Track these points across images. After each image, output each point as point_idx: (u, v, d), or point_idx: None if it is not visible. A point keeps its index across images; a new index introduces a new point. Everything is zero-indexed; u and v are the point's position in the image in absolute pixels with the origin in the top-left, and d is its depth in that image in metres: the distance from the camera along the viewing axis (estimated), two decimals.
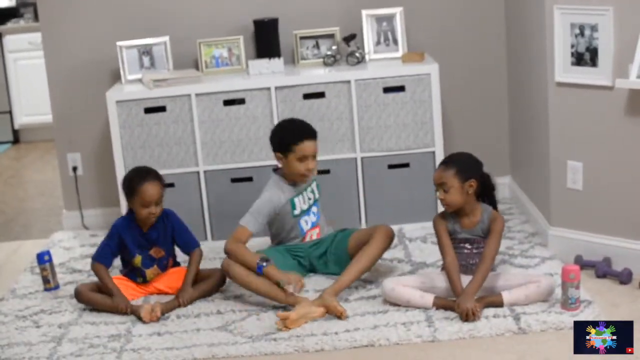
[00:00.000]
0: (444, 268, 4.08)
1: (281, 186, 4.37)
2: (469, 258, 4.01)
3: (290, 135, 4.29)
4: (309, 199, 4.44)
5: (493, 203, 4.08)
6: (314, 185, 4.48)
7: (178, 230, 4.36)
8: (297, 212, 4.39)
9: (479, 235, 4.00)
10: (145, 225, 4.30)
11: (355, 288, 4.23)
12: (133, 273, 4.36)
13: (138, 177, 4.27)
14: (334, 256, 4.40)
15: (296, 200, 4.39)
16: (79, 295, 4.25)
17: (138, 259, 4.31)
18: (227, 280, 4.31)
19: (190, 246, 4.36)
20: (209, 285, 4.28)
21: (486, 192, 4.08)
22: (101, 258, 4.28)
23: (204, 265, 4.47)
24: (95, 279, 4.33)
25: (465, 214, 4.00)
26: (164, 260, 4.37)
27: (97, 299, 4.21)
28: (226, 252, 4.19)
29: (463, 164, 3.98)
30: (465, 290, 3.84)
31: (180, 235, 4.36)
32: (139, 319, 4.07)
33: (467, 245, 4.02)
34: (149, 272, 4.34)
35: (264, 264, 4.09)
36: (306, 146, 4.24)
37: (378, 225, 4.34)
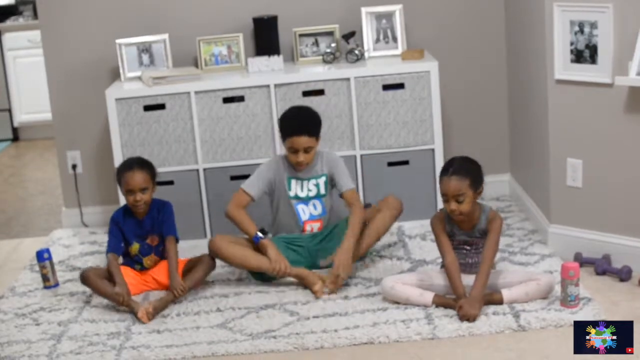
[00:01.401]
0: (443, 266, 4.08)
1: (283, 161, 4.47)
2: (468, 257, 4.01)
3: (283, 127, 4.41)
4: (309, 190, 4.47)
5: None
6: (321, 179, 4.48)
7: (164, 216, 4.40)
8: (292, 193, 4.45)
9: (477, 236, 3.99)
10: (139, 214, 4.36)
11: (355, 285, 4.24)
12: (132, 261, 4.41)
13: (124, 165, 4.41)
14: (341, 230, 4.39)
15: (293, 181, 4.45)
16: (85, 280, 4.28)
17: (135, 247, 4.38)
18: (224, 273, 4.38)
19: (166, 232, 4.39)
20: (199, 272, 4.31)
21: None
22: (111, 249, 4.37)
23: None
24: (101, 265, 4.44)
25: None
26: (159, 247, 4.42)
27: (99, 284, 4.24)
28: (227, 216, 4.37)
29: (474, 173, 3.93)
30: (472, 295, 3.83)
31: (164, 220, 4.40)
32: (136, 316, 4.07)
33: (466, 247, 4.01)
34: (147, 260, 4.40)
35: (262, 235, 4.26)
36: (294, 141, 4.34)
37: (384, 198, 4.48)
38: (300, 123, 4.38)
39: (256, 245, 4.31)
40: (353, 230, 4.28)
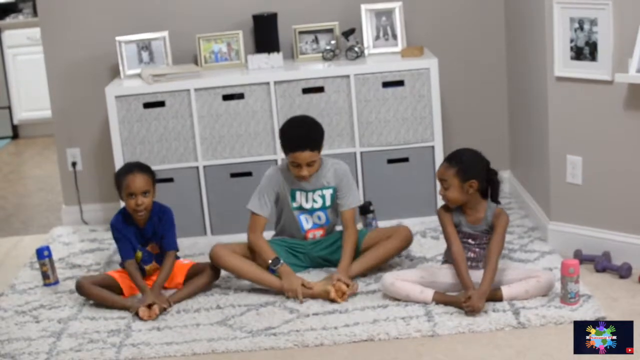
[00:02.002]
0: (445, 261, 4.08)
1: (284, 172, 4.37)
2: (470, 252, 4.01)
3: (285, 142, 4.28)
4: (315, 202, 4.38)
5: (495, 198, 4.05)
6: (328, 191, 4.38)
7: (166, 227, 4.32)
8: (295, 205, 4.38)
9: (482, 231, 3.99)
10: (140, 221, 4.30)
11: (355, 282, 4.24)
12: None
13: (124, 169, 4.34)
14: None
15: (297, 193, 4.37)
16: (80, 289, 4.24)
17: (139, 255, 4.31)
18: (223, 274, 4.36)
19: (167, 246, 4.31)
20: (199, 282, 4.27)
21: (492, 190, 4.05)
22: (125, 256, 4.27)
23: (202, 259, 4.49)
24: (94, 272, 4.37)
25: (468, 209, 4.00)
26: (160, 256, 4.35)
27: (101, 293, 4.20)
28: (250, 245, 4.32)
29: (465, 164, 3.95)
30: (480, 290, 3.82)
31: (165, 232, 4.32)
32: (136, 315, 4.07)
33: (470, 240, 4.01)
34: (149, 268, 4.34)
35: (276, 267, 4.20)
36: (297, 157, 4.21)
37: (397, 226, 4.42)
38: (303, 138, 4.23)
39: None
40: (350, 256, 4.24)
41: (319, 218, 4.42)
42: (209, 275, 4.29)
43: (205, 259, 4.42)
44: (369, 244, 4.36)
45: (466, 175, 3.93)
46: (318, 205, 4.39)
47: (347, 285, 4.08)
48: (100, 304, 4.21)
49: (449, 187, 3.94)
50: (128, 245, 4.28)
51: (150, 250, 4.33)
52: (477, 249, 4.01)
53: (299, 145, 4.20)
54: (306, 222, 4.42)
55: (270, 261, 4.21)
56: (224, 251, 4.27)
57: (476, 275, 3.92)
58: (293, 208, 4.39)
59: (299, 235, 4.44)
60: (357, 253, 4.34)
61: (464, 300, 3.81)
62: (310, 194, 4.37)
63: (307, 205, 4.38)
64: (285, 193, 4.37)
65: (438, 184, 4.05)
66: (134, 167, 4.30)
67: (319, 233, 4.44)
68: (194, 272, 4.33)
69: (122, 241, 4.29)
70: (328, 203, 4.40)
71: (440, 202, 4.09)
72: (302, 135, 4.25)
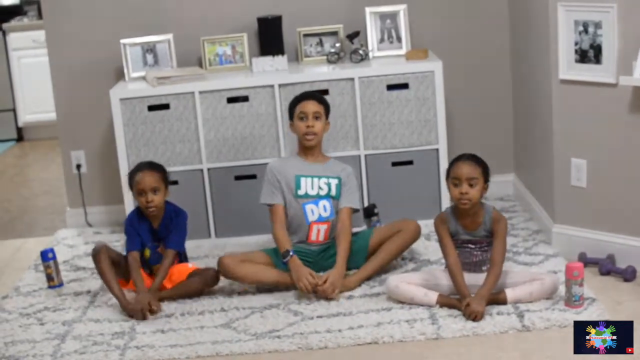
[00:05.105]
0: (447, 268, 4.08)
1: (290, 157, 4.49)
2: (472, 256, 4.01)
3: (292, 102, 4.47)
4: (320, 188, 4.40)
5: None
6: (334, 181, 4.42)
7: (175, 226, 4.33)
8: (301, 192, 4.38)
9: (481, 236, 3.99)
10: (154, 220, 4.32)
11: (359, 285, 4.24)
12: (144, 265, 4.34)
13: (135, 168, 4.39)
14: (351, 250, 4.35)
15: (302, 179, 4.38)
16: (96, 257, 4.23)
17: (147, 253, 4.32)
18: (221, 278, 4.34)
19: (170, 244, 4.32)
20: (195, 284, 4.26)
21: None
22: (130, 247, 4.29)
23: (206, 262, 4.49)
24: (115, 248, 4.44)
25: (468, 216, 3.99)
26: None
27: (107, 276, 4.19)
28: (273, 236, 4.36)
29: (485, 167, 3.97)
30: (478, 293, 3.83)
31: (173, 231, 4.33)
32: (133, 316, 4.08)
33: (470, 245, 4.01)
34: (156, 268, 4.33)
35: (286, 259, 4.21)
36: (303, 105, 4.39)
37: (404, 220, 4.42)
38: (308, 92, 4.54)
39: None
40: (344, 257, 4.27)
41: (325, 209, 4.39)
42: (202, 280, 4.26)
43: (209, 262, 4.41)
44: (378, 239, 4.38)
45: (486, 177, 3.97)
46: (324, 192, 4.40)
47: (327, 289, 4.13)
48: (104, 283, 4.23)
49: (476, 185, 3.92)
50: (136, 239, 4.30)
51: (160, 251, 4.34)
52: (478, 252, 4.00)
53: (305, 95, 4.47)
54: (311, 213, 4.39)
55: (285, 250, 4.24)
56: (232, 262, 4.24)
57: (480, 279, 3.92)
58: (298, 196, 4.38)
59: (303, 227, 4.39)
60: (366, 250, 4.37)
61: (463, 307, 3.82)
62: (316, 180, 4.39)
63: (313, 192, 4.38)
64: (289, 181, 4.38)
65: (444, 186, 4.04)
66: (144, 166, 4.36)
67: (323, 228, 4.40)
68: (193, 276, 4.31)
69: (131, 234, 4.31)
70: (334, 192, 4.41)
71: (445, 204, 4.09)
72: (308, 91, 4.60)
